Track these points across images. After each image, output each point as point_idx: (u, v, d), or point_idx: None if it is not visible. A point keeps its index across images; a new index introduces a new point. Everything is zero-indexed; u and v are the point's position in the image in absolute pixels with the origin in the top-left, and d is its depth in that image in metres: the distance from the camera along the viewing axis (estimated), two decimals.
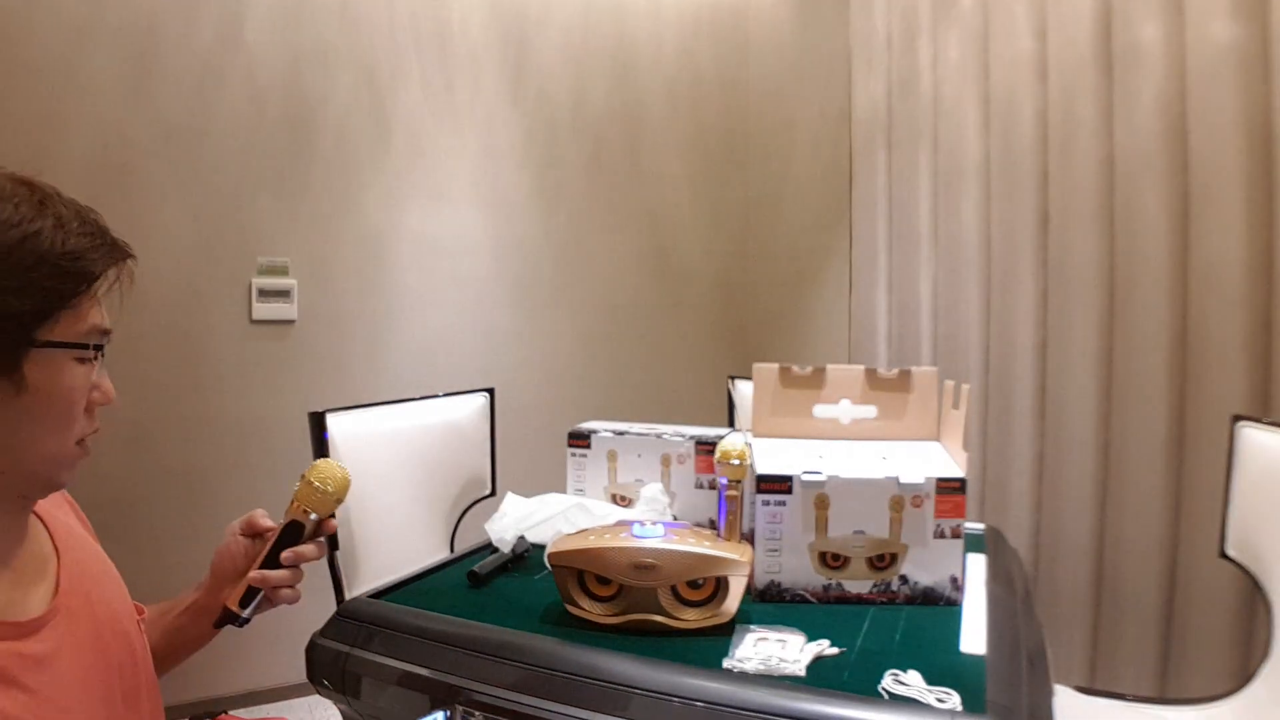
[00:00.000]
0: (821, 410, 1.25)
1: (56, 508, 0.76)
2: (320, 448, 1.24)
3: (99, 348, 0.63)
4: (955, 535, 1.04)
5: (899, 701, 0.78)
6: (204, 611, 0.84)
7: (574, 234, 2.33)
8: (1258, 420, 1.30)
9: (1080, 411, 1.91)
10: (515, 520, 1.24)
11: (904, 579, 1.05)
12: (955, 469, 1.07)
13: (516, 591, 1.11)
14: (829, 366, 1.27)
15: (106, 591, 0.72)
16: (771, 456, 1.12)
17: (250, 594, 0.81)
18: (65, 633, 0.64)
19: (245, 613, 0.81)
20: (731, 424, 1.86)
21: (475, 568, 1.14)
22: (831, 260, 2.50)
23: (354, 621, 0.99)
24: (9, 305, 0.56)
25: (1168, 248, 1.76)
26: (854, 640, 0.93)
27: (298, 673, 1.00)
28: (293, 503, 0.85)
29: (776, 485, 1.05)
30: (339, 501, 0.87)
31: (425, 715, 0.65)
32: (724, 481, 1.09)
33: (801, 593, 1.06)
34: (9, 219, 0.57)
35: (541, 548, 1.12)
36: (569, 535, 1.02)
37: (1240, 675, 1.45)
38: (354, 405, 1.33)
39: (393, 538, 1.35)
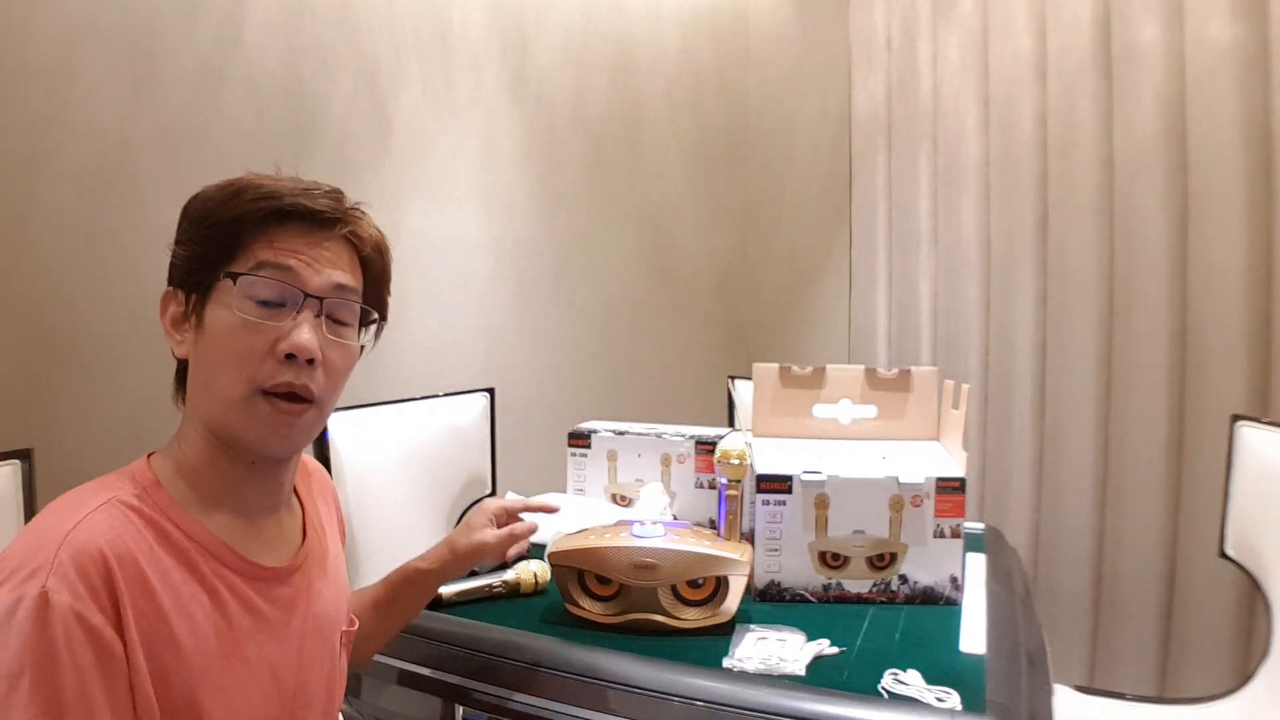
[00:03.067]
0: (821, 410, 1.25)
1: (320, 498, 0.80)
2: (321, 447, 1.24)
3: (234, 277, 0.62)
4: (955, 535, 1.04)
5: (899, 701, 0.79)
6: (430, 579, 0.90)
7: (574, 234, 2.33)
8: (1257, 420, 1.31)
9: (1080, 411, 1.91)
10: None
11: (904, 578, 1.05)
12: (955, 468, 1.07)
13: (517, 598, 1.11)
14: (829, 366, 1.27)
15: (328, 591, 0.73)
16: (771, 456, 1.12)
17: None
18: (281, 600, 0.67)
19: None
20: (731, 424, 1.87)
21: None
22: (831, 260, 2.50)
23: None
24: (180, 254, 0.66)
25: (1167, 248, 1.76)
26: (854, 640, 0.93)
27: None
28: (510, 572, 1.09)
29: (776, 485, 1.05)
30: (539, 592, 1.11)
31: None
32: (724, 481, 1.09)
33: (801, 592, 1.06)
34: (203, 191, 0.66)
35: (541, 548, 1.12)
36: (569, 535, 1.02)
37: (1239, 674, 1.45)
38: (354, 405, 1.33)
39: (393, 537, 1.35)
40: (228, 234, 0.64)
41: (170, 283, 0.67)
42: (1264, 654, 1.26)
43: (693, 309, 2.62)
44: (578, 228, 2.33)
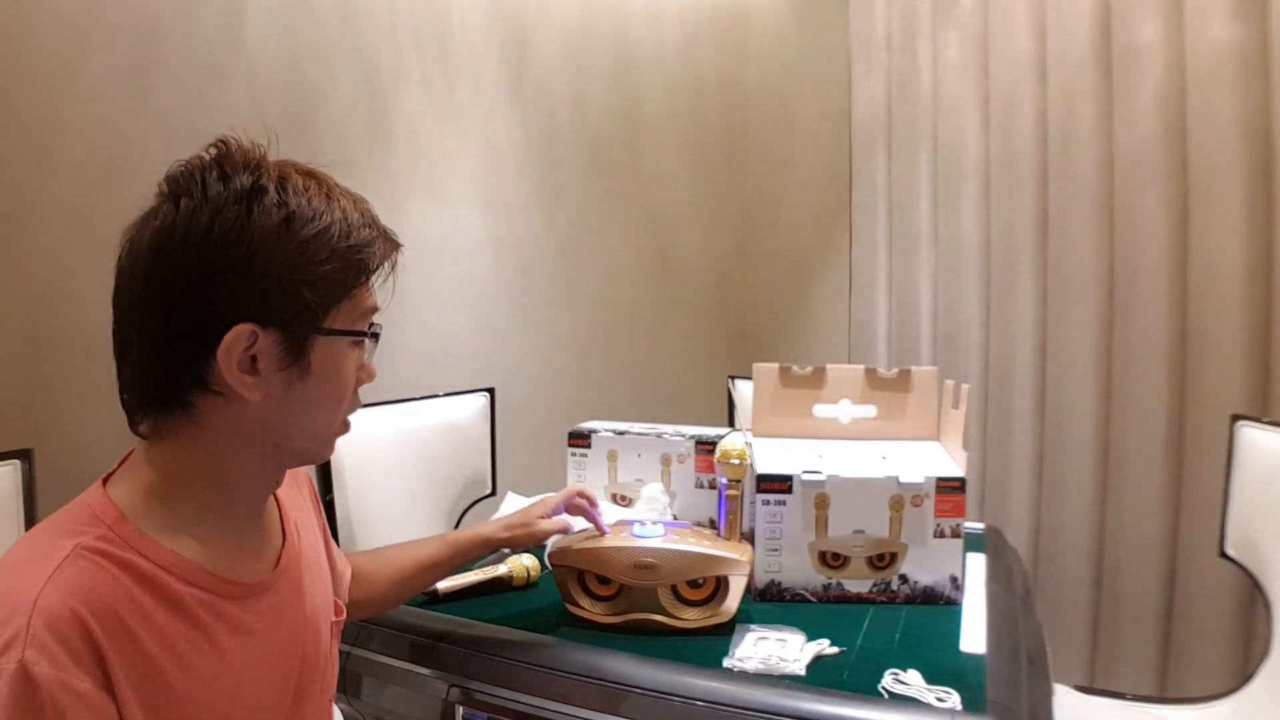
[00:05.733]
0: (821, 410, 1.25)
1: (294, 486, 0.78)
2: None
3: (375, 335, 0.67)
4: (955, 535, 1.04)
5: (899, 701, 0.79)
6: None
7: (574, 234, 2.32)
8: (1257, 420, 1.31)
9: (1080, 411, 1.91)
10: None
11: (904, 578, 1.05)
12: (955, 468, 1.07)
13: (516, 590, 1.11)
14: (829, 366, 1.27)
15: (313, 583, 0.72)
16: (771, 456, 1.12)
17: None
18: (268, 610, 0.65)
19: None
20: (731, 424, 1.87)
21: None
22: (831, 260, 2.50)
23: (354, 621, 0.99)
24: (303, 297, 0.59)
25: (1167, 247, 1.76)
26: (854, 640, 0.93)
27: None
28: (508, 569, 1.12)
29: (776, 485, 1.05)
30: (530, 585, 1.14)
31: None
32: (724, 481, 1.09)
33: (801, 592, 1.06)
34: (305, 214, 0.59)
35: (541, 548, 1.12)
36: (569, 535, 1.02)
37: (1240, 674, 1.45)
38: None
39: (393, 536, 1.35)
40: (350, 280, 0.63)
41: (259, 321, 0.58)
42: (1264, 654, 1.26)
43: (693, 309, 2.62)
44: (578, 227, 2.33)
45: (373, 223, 0.64)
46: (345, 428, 0.70)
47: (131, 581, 0.55)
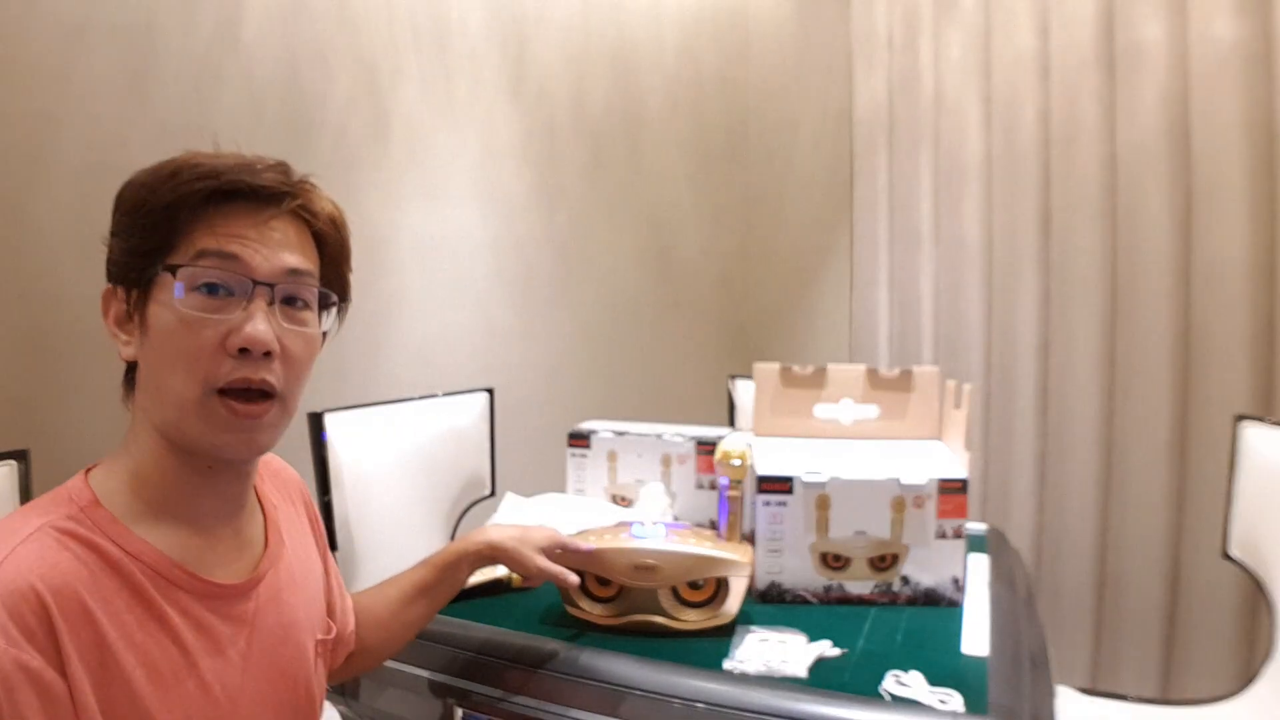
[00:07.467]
0: (823, 410, 1.25)
1: (289, 502, 0.76)
2: (319, 448, 1.24)
3: (215, 297, 0.59)
4: (957, 536, 1.04)
5: (900, 703, 0.78)
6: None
7: (574, 233, 2.32)
8: (1261, 420, 1.30)
9: (1082, 411, 1.90)
10: (515, 520, 1.23)
11: (905, 580, 1.05)
12: (957, 469, 1.07)
13: (516, 592, 1.11)
14: (830, 366, 1.26)
15: (296, 600, 0.70)
16: (772, 457, 1.12)
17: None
18: (239, 616, 0.63)
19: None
20: (732, 424, 1.86)
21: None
22: (832, 260, 2.49)
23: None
24: (120, 248, 0.61)
25: (1170, 247, 1.76)
26: (855, 641, 0.93)
27: None
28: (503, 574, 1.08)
29: (777, 486, 1.04)
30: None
31: None
32: (725, 482, 1.09)
33: (802, 594, 1.05)
34: (135, 177, 0.62)
35: None
36: (569, 537, 1.01)
37: (1243, 676, 1.44)
38: (353, 405, 1.32)
39: (392, 538, 1.34)
40: (164, 222, 0.59)
41: (109, 279, 0.63)
42: (1267, 656, 1.25)
43: (693, 309, 2.61)
44: (577, 227, 2.33)
45: (181, 168, 0.60)
46: (227, 410, 0.60)
47: (96, 565, 0.55)
